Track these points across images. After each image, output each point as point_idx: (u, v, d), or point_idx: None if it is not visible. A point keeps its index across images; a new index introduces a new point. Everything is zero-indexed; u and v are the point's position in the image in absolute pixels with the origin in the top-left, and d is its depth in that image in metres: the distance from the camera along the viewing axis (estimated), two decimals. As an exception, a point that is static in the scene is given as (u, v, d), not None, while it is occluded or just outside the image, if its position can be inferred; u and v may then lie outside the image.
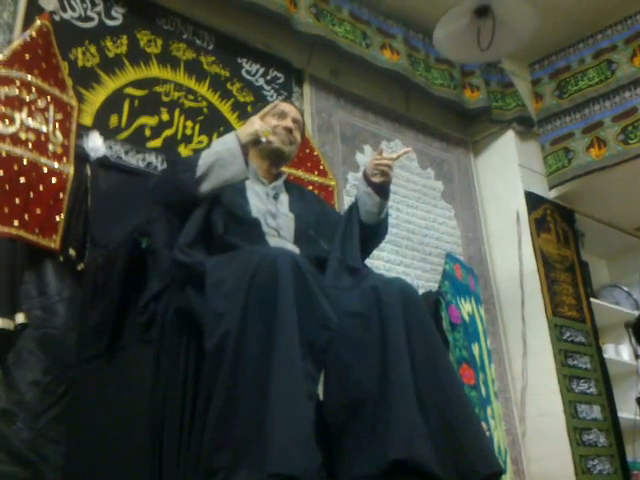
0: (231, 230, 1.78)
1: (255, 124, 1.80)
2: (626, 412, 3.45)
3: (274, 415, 1.28)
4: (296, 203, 2.02)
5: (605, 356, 3.57)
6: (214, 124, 2.70)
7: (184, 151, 2.55)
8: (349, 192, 3.04)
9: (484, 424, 2.45)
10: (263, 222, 1.86)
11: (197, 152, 1.87)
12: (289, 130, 2.01)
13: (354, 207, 2.00)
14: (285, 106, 2.08)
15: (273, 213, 1.91)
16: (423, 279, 3.17)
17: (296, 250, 1.80)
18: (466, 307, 2.67)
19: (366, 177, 1.98)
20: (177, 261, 1.60)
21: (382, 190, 1.96)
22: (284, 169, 2.67)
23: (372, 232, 2.01)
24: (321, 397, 1.52)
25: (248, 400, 1.33)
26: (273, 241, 1.82)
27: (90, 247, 2.08)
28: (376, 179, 1.96)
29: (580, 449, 3.10)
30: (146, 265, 1.73)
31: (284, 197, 2.02)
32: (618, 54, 3.55)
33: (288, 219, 1.94)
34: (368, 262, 2.12)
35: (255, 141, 1.80)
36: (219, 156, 1.76)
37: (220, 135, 2.68)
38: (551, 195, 3.72)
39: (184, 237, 1.67)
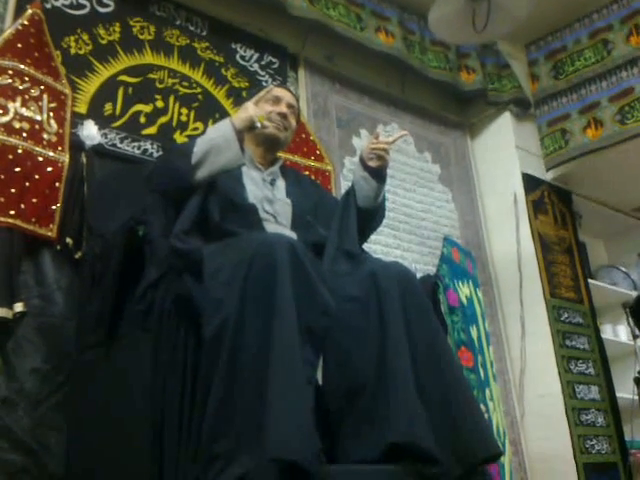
0: (228, 217, 1.78)
1: (249, 109, 1.79)
2: (624, 392, 3.46)
3: (273, 401, 1.28)
4: (293, 189, 2.02)
5: (603, 336, 3.58)
6: (209, 110, 2.68)
7: (179, 138, 2.54)
8: (346, 177, 3.03)
9: (483, 406, 2.46)
10: (260, 208, 1.86)
11: (192, 139, 1.87)
12: (283, 116, 2.00)
13: (351, 192, 1.99)
14: (279, 91, 2.06)
15: (270, 199, 1.91)
16: (421, 263, 3.17)
17: (293, 236, 1.79)
18: (464, 290, 2.68)
19: (362, 161, 1.97)
20: (174, 248, 1.60)
21: (379, 174, 1.95)
22: (280, 154, 2.67)
23: (369, 216, 2.01)
24: (320, 382, 1.53)
25: (247, 386, 1.33)
26: (270, 227, 1.82)
27: (87, 235, 2.08)
28: (373, 163, 1.95)
29: (579, 429, 3.12)
30: (143, 253, 1.73)
31: (281, 183, 2.02)
32: (614, 34, 3.53)
33: (285, 205, 1.94)
34: (366, 246, 2.12)
35: (250, 127, 1.79)
36: (214, 143, 1.76)
37: (215, 121, 2.67)
38: (548, 177, 3.72)
39: (181, 224, 1.67)
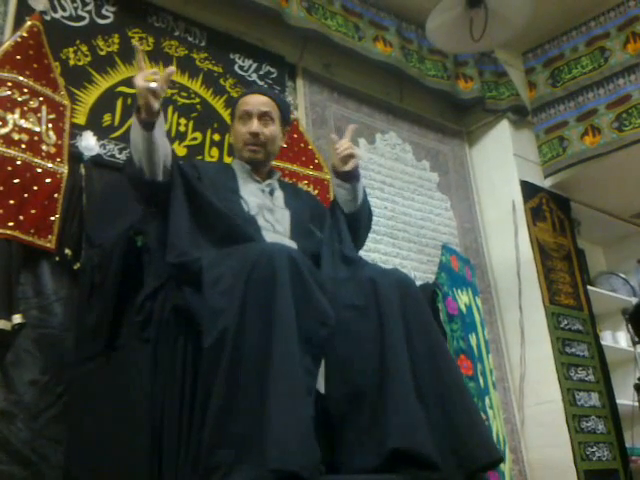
0: (226, 227, 1.77)
1: (136, 83, 1.62)
2: (624, 399, 3.45)
3: (273, 411, 1.28)
4: (291, 199, 2.02)
5: (603, 343, 3.58)
6: (208, 120, 2.69)
7: (178, 149, 2.54)
8: (344, 185, 3.04)
9: (483, 414, 2.46)
10: (260, 216, 1.86)
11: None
12: (254, 135, 1.95)
13: (335, 203, 2.02)
14: (246, 102, 1.99)
15: (269, 208, 1.91)
16: (420, 271, 3.18)
17: (293, 245, 1.80)
18: (463, 298, 2.68)
19: (335, 172, 2.00)
20: (172, 263, 1.59)
21: (353, 175, 1.98)
22: (279, 164, 2.68)
23: (356, 219, 2.02)
24: (322, 390, 1.53)
25: (247, 397, 1.33)
26: (269, 236, 1.82)
27: (86, 246, 2.08)
28: (348, 167, 1.96)
29: (579, 436, 3.12)
30: (142, 263, 1.73)
31: (279, 194, 2.02)
32: (611, 41, 3.55)
33: (284, 214, 1.94)
34: (364, 255, 2.12)
35: (149, 95, 1.59)
36: (131, 136, 1.68)
37: (214, 132, 2.69)
38: (546, 184, 3.73)
39: (176, 236, 1.64)
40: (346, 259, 1.82)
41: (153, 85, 1.58)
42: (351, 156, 1.96)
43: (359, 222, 2.04)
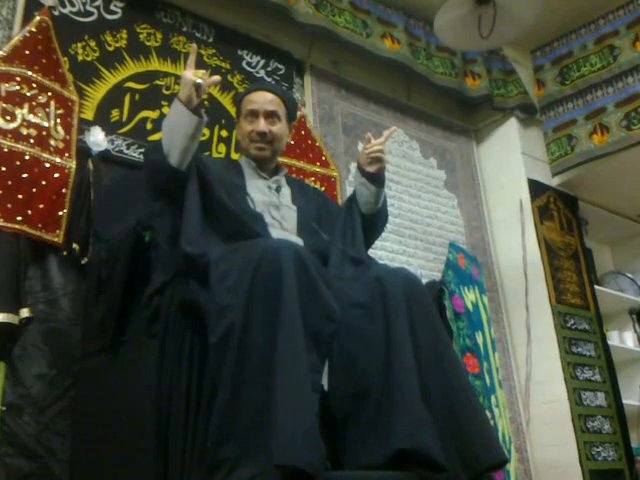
0: (233, 223, 1.77)
1: (185, 76, 1.72)
2: (630, 399, 3.45)
3: (279, 407, 1.28)
4: (298, 196, 2.02)
5: (609, 343, 3.57)
6: (215, 117, 2.69)
7: (186, 144, 2.54)
8: (352, 182, 3.03)
9: (488, 413, 2.46)
10: (267, 213, 1.86)
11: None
12: (262, 134, 1.95)
13: (353, 199, 2.01)
14: (253, 100, 1.99)
15: (276, 204, 1.91)
16: (426, 268, 3.17)
17: (300, 242, 1.79)
18: (470, 296, 2.67)
19: (360, 168, 1.99)
20: (184, 252, 1.59)
21: (377, 178, 1.96)
22: (286, 160, 2.68)
23: (372, 222, 2.02)
24: (326, 387, 1.53)
25: (253, 392, 1.34)
26: (276, 232, 1.82)
27: (93, 241, 2.09)
28: (371, 168, 1.96)
29: (585, 436, 3.11)
30: (149, 259, 1.74)
31: (286, 190, 2.02)
32: (620, 39, 3.53)
33: (291, 211, 1.94)
34: (371, 252, 2.12)
35: (194, 89, 1.69)
36: (170, 122, 1.73)
37: (221, 128, 2.69)
38: (554, 182, 3.71)
39: (188, 229, 1.65)
40: (355, 260, 1.81)
41: (199, 81, 1.68)
42: (378, 160, 1.96)
43: (374, 225, 2.03)
